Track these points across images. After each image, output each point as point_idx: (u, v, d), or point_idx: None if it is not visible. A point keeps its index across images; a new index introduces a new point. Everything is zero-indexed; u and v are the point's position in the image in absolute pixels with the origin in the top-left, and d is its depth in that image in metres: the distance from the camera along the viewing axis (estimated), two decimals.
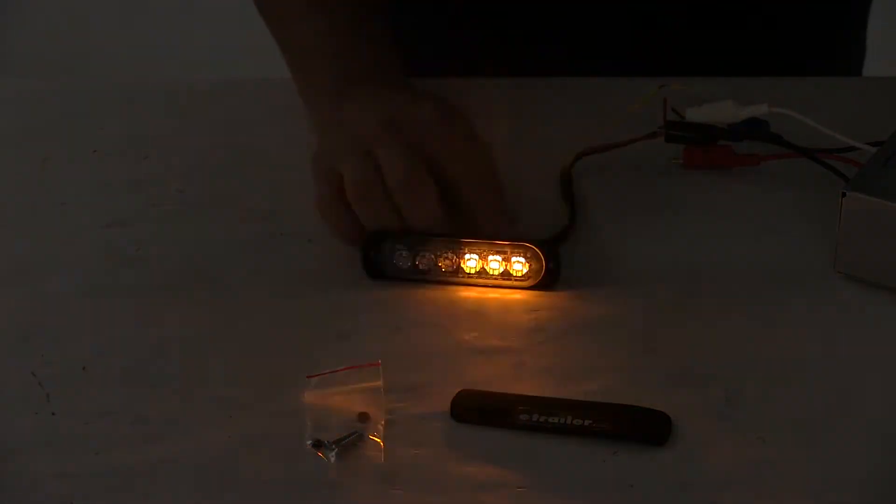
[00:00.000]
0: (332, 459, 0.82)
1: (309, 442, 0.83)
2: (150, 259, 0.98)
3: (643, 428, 0.84)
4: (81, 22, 2.88)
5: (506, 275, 0.94)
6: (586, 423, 0.83)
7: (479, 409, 0.85)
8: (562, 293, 0.94)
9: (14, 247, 1.00)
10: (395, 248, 0.95)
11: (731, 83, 1.14)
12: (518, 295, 0.94)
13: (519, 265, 0.94)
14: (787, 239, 0.99)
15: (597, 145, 1.04)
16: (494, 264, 0.94)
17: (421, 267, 0.95)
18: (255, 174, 1.07)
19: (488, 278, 0.94)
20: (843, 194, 0.93)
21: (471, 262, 0.94)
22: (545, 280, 0.93)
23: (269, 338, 0.91)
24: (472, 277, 0.94)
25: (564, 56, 1.17)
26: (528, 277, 0.94)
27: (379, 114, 0.97)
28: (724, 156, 1.04)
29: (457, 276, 0.95)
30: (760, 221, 1.01)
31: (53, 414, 0.86)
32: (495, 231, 0.95)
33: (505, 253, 0.94)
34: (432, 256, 0.95)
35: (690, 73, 1.17)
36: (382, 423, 0.84)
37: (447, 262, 0.95)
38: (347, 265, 0.96)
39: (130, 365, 0.89)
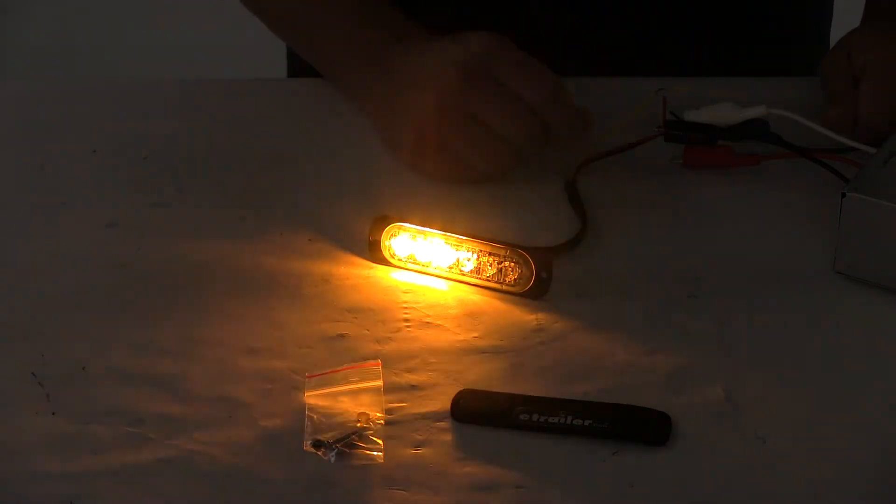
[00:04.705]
0: (332, 459, 0.82)
1: (309, 442, 0.83)
2: (149, 259, 0.98)
3: (643, 428, 0.84)
4: (81, 22, 2.88)
5: (498, 278, 0.94)
6: (586, 423, 0.84)
7: (479, 409, 0.85)
8: (562, 293, 0.93)
9: (14, 247, 1.00)
10: (398, 235, 0.95)
11: (730, 84, 1.14)
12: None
13: (510, 270, 0.93)
14: (786, 239, 0.99)
15: (598, 153, 1.04)
16: (489, 265, 0.94)
17: (419, 257, 0.95)
18: (254, 174, 1.06)
19: (482, 279, 0.94)
20: (843, 195, 0.93)
21: (467, 261, 0.94)
22: (534, 289, 0.93)
23: (269, 338, 0.91)
24: (465, 275, 0.94)
25: (564, 56, 1.17)
26: (518, 283, 0.93)
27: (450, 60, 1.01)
28: (724, 156, 1.04)
29: (452, 272, 0.95)
30: (760, 221, 1.01)
31: (53, 414, 0.86)
32: (576, 132, 1.02)
33: (499, 255, 0.94)
34: (431, 248, 0.95)
35: (690, 74, 1.17)
36: (382, 423, 0.84)
37: (445, 256, 0.95)
38: (347, 265, 0.96)
39: (130, 365, 0.89)
